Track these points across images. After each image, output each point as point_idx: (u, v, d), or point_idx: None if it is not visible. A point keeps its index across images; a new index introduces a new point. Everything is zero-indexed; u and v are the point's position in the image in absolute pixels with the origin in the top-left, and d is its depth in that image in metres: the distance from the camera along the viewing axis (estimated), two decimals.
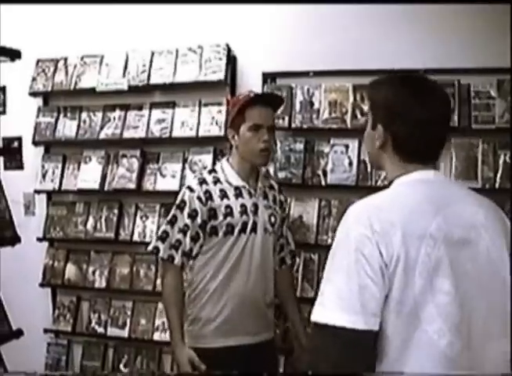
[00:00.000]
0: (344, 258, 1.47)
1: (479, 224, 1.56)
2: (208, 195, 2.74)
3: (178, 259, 2.74)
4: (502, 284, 1.54)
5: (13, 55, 2.48)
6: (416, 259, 1.45)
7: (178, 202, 2.78)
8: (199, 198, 2.73)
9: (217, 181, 2.79)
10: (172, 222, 2.76)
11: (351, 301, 1.42)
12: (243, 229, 2.74)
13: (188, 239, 2.73)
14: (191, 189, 2.76)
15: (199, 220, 2.72)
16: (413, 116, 1.59)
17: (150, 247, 2.80)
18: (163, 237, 2.76)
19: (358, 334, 1.41)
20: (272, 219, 2.85)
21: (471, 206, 1.60)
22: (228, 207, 2.74)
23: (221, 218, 2.73)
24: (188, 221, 2.73)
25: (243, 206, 2.76)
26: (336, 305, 1.43)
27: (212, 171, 2.87)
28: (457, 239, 1.51)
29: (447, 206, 1.54)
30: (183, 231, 2.73)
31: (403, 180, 1.62)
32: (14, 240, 2.46)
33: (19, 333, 2.49)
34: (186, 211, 2.73)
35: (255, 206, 2.79)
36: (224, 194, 2.76)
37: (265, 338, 2.86)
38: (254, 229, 2.77)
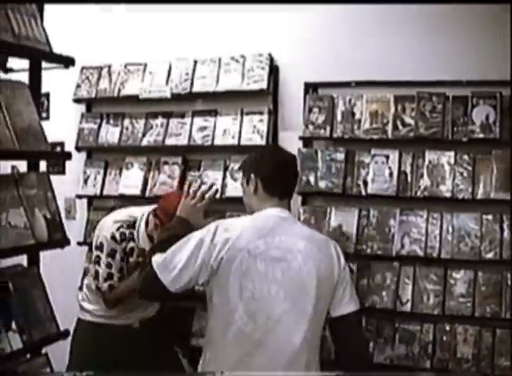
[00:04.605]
0: (194, 240, 2.13)
1: (296, 250, 2.15)
2: None
3: None
4: (306, 293, 2.13)
5: (68, 62, 2.53)
6: (231, 265, 2.10)
7: None
8: None
9: None
10: None
11: (173, 266, 2.10)
12: None
13: None
14: None
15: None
16: (273, 160, 2.30)
17: None
18: None
19: (159, 281, 2.11)
20: None
21: (294, 237, 2.18)
22: None
23: None
24: None
25: None
26: (166, 261, 2.12)
27: None
28: (272, 257, 2.12)
29: (273, 234, 2.16)
30: None
31: (256, 214, 2.25)
32: (63, 242, 2.50)
33: (65, 334, 2.52)
34: None
35: None
36: None
37: None
38: None
